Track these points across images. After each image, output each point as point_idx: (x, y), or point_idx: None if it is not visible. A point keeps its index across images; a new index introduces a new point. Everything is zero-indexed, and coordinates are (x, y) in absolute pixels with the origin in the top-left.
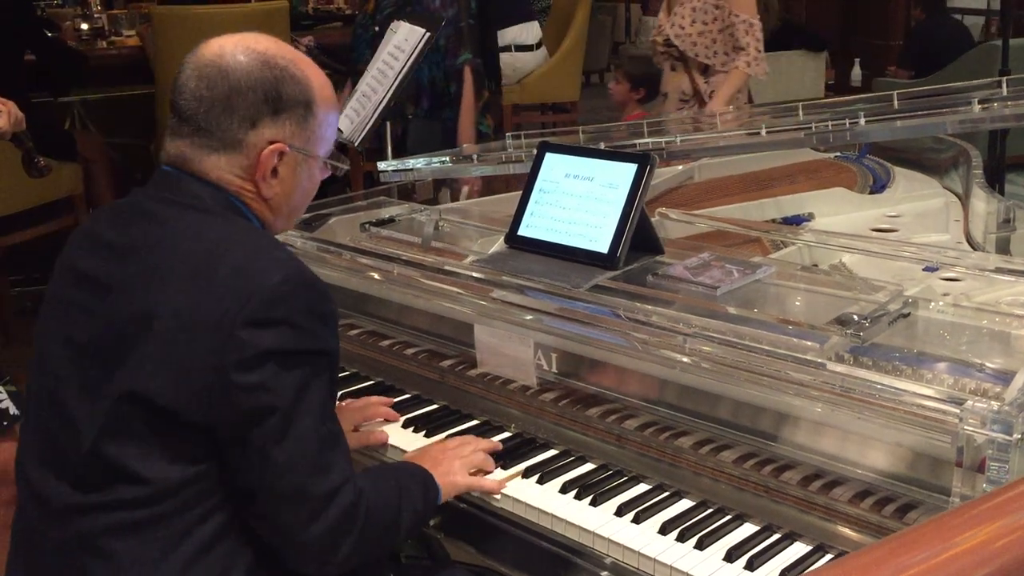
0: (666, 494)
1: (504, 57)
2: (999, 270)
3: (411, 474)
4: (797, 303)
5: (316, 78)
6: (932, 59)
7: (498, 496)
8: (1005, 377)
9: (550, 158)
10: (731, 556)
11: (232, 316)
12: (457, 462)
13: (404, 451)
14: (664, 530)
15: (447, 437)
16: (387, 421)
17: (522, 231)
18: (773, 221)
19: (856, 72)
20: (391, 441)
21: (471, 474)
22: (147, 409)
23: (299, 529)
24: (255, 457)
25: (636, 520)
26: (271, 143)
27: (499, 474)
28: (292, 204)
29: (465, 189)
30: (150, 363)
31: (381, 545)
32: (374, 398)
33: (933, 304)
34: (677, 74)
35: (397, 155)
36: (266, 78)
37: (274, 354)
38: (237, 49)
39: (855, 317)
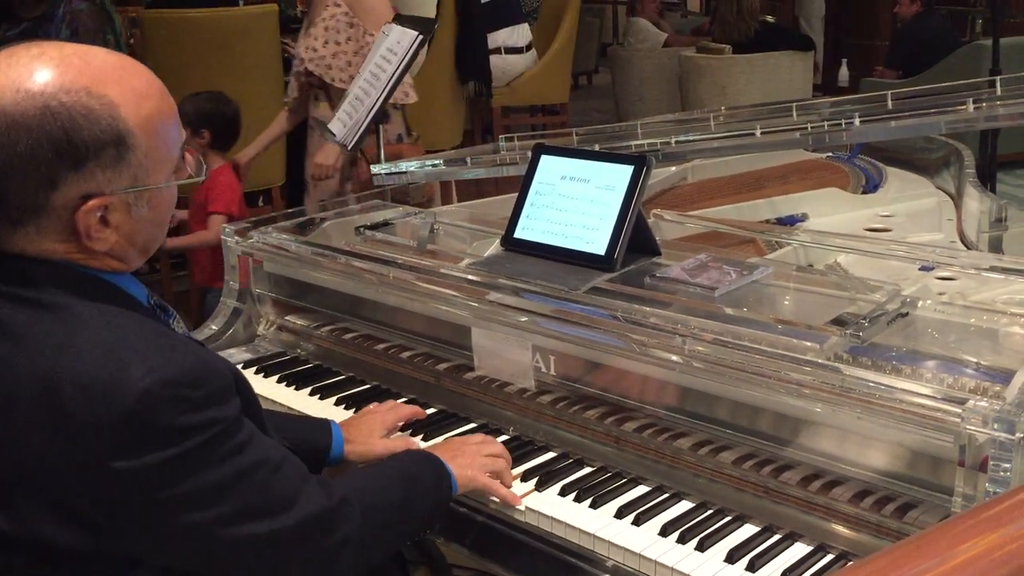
0: (666, 496)
1: (494, 60)
2: (993, 269)
3: (421, 461)
4: (795, 304)
5: (124, 98)
6: (919, 59)
7: (522, 507)
8: (1005, 376)
9: (546, 160)
10: (732, 557)
11: (98, 451)
12: (478, 460)
13: None
14: (665, 532)
15: (444, 441)
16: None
17: (518, 233)
18: (767, 222)
19: (843, 72)
20: (392, 447)
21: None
22: (46, 551)
23: (301, 563)
24: (210, 548)
25: (636, 522)
26: (84, 198)
27: (516, 487)
28: (142, 242)
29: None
30: (34, 508)
31: (393, 539)
32: (396, 403)
33: (930, 303)
34: (320, 103)
35: None
36: (49, 130)
37: (166, 465)
38: (5, 95)
39: (854, 317)
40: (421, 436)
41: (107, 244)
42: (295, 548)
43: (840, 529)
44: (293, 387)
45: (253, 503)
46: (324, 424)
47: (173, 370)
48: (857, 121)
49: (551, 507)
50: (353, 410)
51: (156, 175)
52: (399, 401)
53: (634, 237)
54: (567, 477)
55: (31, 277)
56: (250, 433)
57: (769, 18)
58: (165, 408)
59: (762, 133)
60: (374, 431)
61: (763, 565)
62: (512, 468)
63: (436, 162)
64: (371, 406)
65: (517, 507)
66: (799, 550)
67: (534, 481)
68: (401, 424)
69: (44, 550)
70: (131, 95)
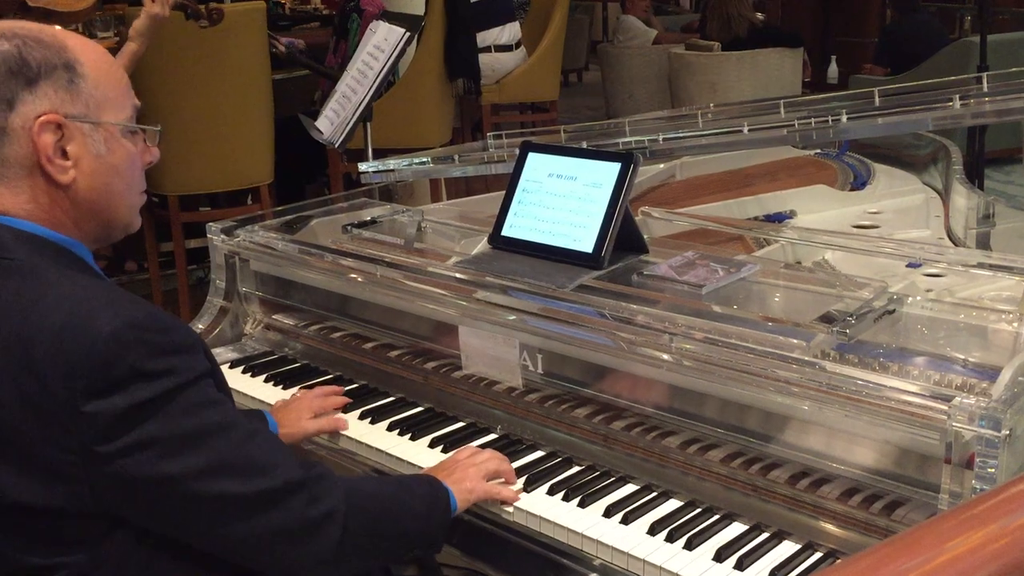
0: (654, 494)
1: (483, 58)
2: (981, 265)
3: (414, 476)
4: (782, 301)
5: (73, 40)
6: (908, 56)
7: (509, 509)
8: (991, 373)
9: (533, 158)
10: (720, 556)
11: (69, 395)
12: (471, 470)
13: (391, 455)
14: (653, 530)
15: (432, 439)
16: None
17: (506, 231)
18: (755, 219)
19: (832, 69)
20: (379, 446)
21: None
22: (23, 513)
23: (280, 533)
24: (183, 503)
25: (625, 521)
26: (39, 118)
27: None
28: (104, 188)
29: None
30: (11, 469)
31: (383, 535)
32: (327, 388)
33: (918, 300)
34: None
35: None
36: (5, 51)
37: (135, 409)
38: None
39: (841, 314)
40: (409, 435)
41: (68, 176)
42: (275, 514)
43: (828, 527)
44: (280, 386)
45: (227, 460)
46: (259, 415)
47: (137, 315)
48: (844, 118)
49: (539, 506)
50: (342, 409)
51: (108, 114)
52: (388, 399)
53: (621, 234)
54: (555, 476)
55: (1, 240)
56: (222, 397)
57: (759, 15)
58: (132, 350)
59: (750, 130)
60: (302, 414)
61: (751, 563)
62: None
63: (424, 160)
64: (298, 392)
65: (505, 506)
66: (787, 548)
67: (522, 480)
68: (327, 410)
69: (20, 512)
70: (79, 41)
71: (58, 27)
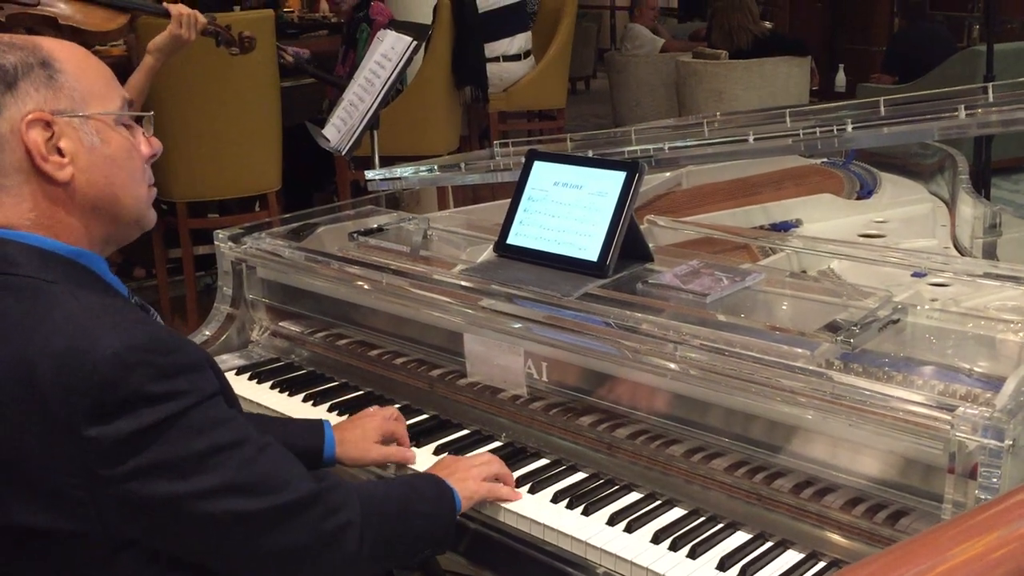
0: (658, 503)
1: (491, 67)
2: (987, 275)
3: (417, 476)
4: (787, 310)
5: (45, 40)
6: (915, 64)
7: (514, 514)
8: (995, 383)
9: (539, 166)
10: (724, 565)
11: (71, 419)
12: (473, 470)
13: None
14: (657, 539)
15: (438, 447)
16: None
17: (511, 240)
18: (761, 227)
19: (840, 78)
20: None
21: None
22: (29, 537)
23: (299, 549)
24: (192, 523)
25: (628, 529)
26: (25, 118)
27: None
28: (104, 181)
29: None
30: (16, 493)
31: (398, 539)
32: (393, 411)
33: (922, 310)
34: None
35: None
36: None
37: (141, 433)
38: None
39: (845, 324)
40: (414, 443)
41: (66, 173)
42: (292, 530)
43: (832, 536)
44: (286, 393)
45: (239, 479)
46: (316, 425)
47: (141, 337)
48: (850, 127)
49: (543, 514)
50: (347, 416)
51: (95, 105)
52: (394, 407)
53: (627, 243)
54: (559, 484)
55: (6, 257)
56: (232, 414)
57: (766, 24)
58: (135, 373)
59: (755, 139)
60: (368, 435)
61: (755, 572)
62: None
63: (431, 168)
64: (371, 408)
65: (509, 514)
66: (791, 557)
67: (526, 488)
68: (398, 438)
69: (27, 536)
70: (52, 41)
71: (24, 35)
